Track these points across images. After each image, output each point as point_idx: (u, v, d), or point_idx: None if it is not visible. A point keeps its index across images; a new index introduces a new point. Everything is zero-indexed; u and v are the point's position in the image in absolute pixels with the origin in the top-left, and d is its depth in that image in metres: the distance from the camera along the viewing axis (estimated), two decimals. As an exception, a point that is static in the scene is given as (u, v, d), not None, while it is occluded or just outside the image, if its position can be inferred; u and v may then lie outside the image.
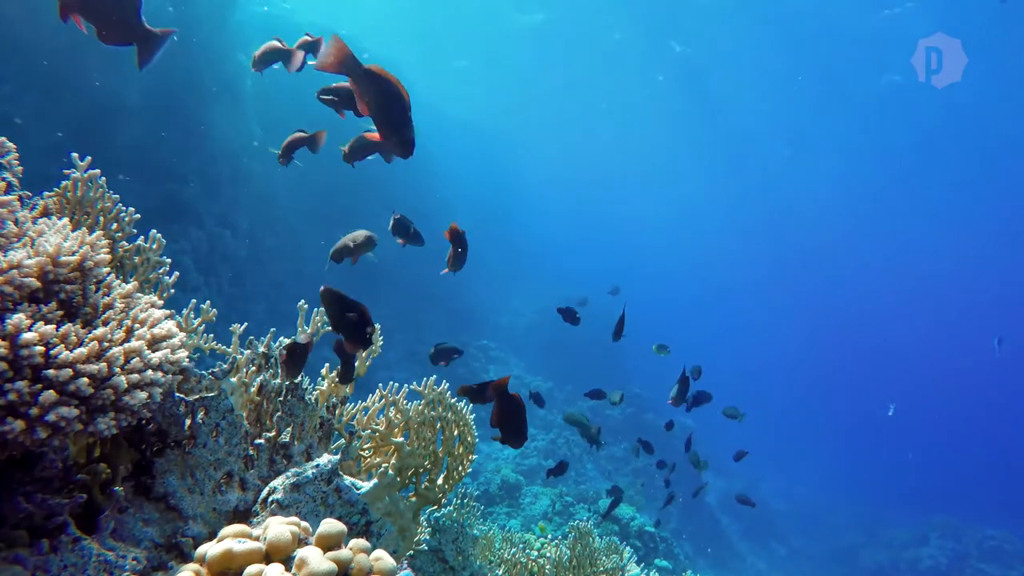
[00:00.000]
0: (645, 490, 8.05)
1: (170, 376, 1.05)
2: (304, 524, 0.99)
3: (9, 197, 1.06)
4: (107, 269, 1.09)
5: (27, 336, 0.85)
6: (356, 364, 1.70)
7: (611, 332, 3.77)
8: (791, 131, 20.41)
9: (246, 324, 1.68)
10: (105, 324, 1.00)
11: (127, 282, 1.13)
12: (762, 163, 23.55)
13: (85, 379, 0.88)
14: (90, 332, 0.94)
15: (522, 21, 17.48)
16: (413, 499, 1.74)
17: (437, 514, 2.01)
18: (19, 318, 0.85)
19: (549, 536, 2.54)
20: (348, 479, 1.49)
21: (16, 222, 1.05)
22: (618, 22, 16.38)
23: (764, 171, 24.24)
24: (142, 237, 1.49)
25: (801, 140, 20.93)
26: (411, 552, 1.85)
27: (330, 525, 0.96)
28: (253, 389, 1.49)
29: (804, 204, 26.97)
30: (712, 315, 38.56)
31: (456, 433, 1.81)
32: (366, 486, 1.55)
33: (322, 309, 1.77)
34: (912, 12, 13.46)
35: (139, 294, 1.14)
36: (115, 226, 1.44)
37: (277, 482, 1.34)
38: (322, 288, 1.45)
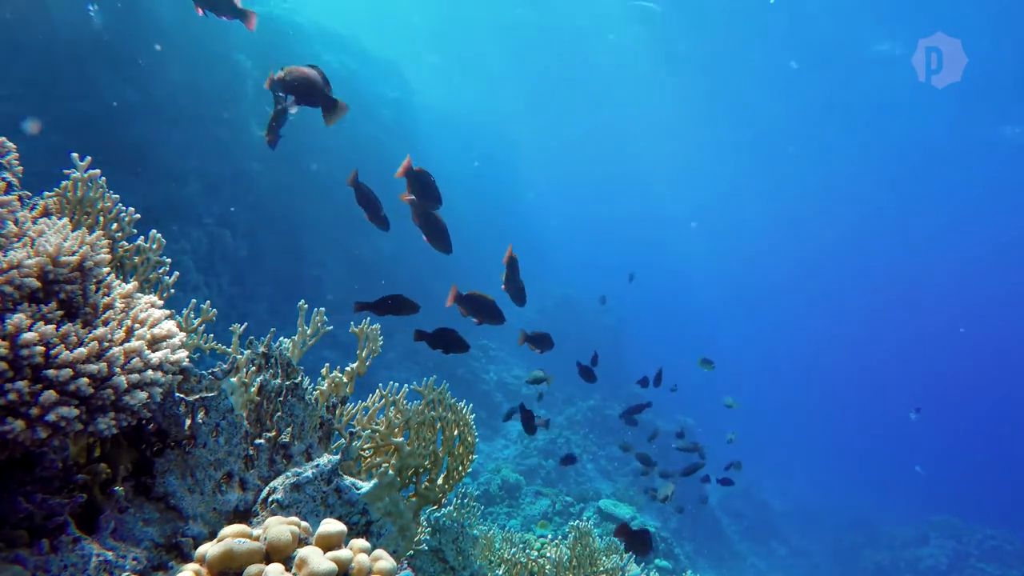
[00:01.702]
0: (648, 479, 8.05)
1: (170, 376, 1.05)
2: (304, 524, 0.99)
3: (9, 197, 1.06)
4: (107, 269, 1.09)
5: (27, 336, 0.85)
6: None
7: (610, 332, 3.87)
8: (799, 130, 20.28)
9: (246, 324, 1.68)
10: (105, 324, 1.00)
11: (127, 282, 1.13)
12: (773, 161, 23.42)
13: (85, 379, 0.88)
14: (90, 332, 0.94)
15: (518, 15, 17.46)
16: (413, 499, 1.74)
17: (437, 514, 2.01)
18: (19, 318, 0.85)
19: (549, 536, 2.53)
20: (348, 479, 1.49)
21: (16, 222, 1.05)
22: (621, 18, 16.34)
23: (775, 169, 24.12)
24: (142, 237, 1.49)
25: (808, 139, 20.80)
26: (411, 552, 1.85)
27: (330, 525, 0.96)
28: (253, 389, 1.48)
29: (805, 203, 26.91)
30: (712, 314, 38.54)
31: (456, 433, 1.81)
32: (366, 486, 1.55)
33: (323, 308, 1.77)
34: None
35: (139, 294, 1.14)
36: (115, 226, 1.43)
37: (277, 482, 1.34)
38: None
